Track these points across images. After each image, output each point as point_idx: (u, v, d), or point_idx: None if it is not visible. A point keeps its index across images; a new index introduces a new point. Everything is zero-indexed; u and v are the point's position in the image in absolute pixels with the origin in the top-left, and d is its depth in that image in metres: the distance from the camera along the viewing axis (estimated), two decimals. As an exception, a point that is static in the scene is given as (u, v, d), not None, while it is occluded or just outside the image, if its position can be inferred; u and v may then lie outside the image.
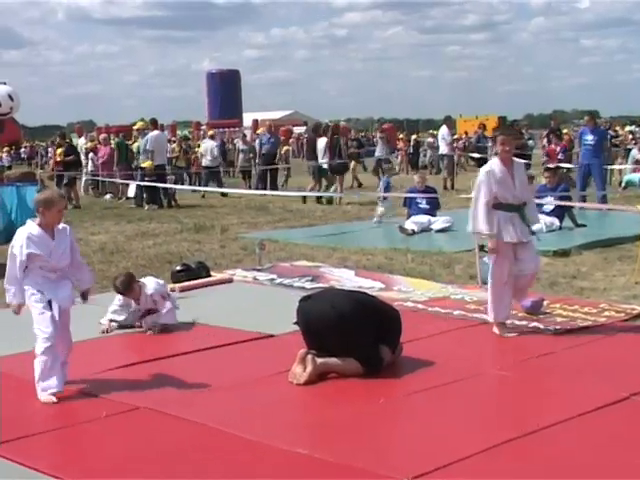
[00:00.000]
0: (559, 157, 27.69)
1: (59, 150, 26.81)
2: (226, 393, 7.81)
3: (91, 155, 29.00)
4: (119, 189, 28.98)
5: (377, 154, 33.72)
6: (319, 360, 7.95)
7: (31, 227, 7.71)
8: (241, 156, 32.21)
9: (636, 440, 6.43)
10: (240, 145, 33.26)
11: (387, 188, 21.22)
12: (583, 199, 21.60)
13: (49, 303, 7.60)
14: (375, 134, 49.83)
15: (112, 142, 29.84)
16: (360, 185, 31.99)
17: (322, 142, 27.22)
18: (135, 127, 27.49)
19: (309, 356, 7.94)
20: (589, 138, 22.18)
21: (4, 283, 7.73)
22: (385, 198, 20.16)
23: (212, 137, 32.55)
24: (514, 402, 7.49)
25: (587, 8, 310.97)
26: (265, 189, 27.65)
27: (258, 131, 35.48)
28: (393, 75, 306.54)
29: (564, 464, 5.99)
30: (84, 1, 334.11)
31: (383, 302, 9.03)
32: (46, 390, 7.52)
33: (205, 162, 30.57)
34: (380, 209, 19.58)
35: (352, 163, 31.68)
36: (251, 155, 31.25)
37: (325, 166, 27.17)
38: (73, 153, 27.08)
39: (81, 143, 31.74)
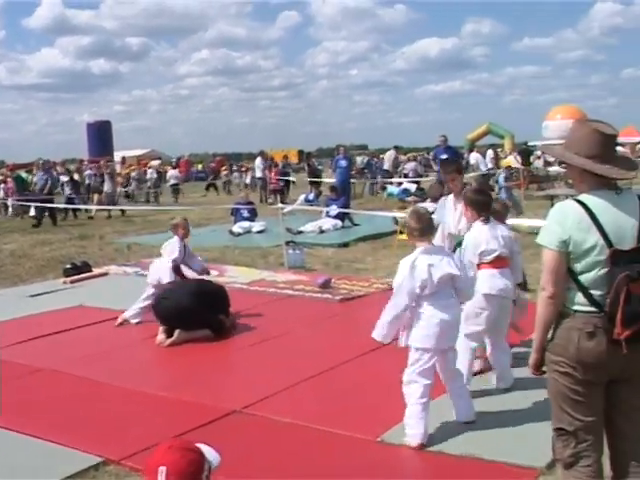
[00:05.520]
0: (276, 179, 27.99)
1: None
2: (107, 355, 7.60)
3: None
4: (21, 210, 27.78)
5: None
6: (183, 333, 7.91)
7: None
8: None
9: (398, 365, 6.63)
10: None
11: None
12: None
13: None
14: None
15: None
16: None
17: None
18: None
19: (177, 330, 7.90)
20: (343, 164, 22.15)
21: None
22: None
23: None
24: (313, 350, 7.53)
25: (356, 74, 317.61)
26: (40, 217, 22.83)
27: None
28: (223, 122, 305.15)
29: (351, 387, 6.14)
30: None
31: (211, 283, 8.86)
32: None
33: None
34: None
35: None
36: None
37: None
38: None
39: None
